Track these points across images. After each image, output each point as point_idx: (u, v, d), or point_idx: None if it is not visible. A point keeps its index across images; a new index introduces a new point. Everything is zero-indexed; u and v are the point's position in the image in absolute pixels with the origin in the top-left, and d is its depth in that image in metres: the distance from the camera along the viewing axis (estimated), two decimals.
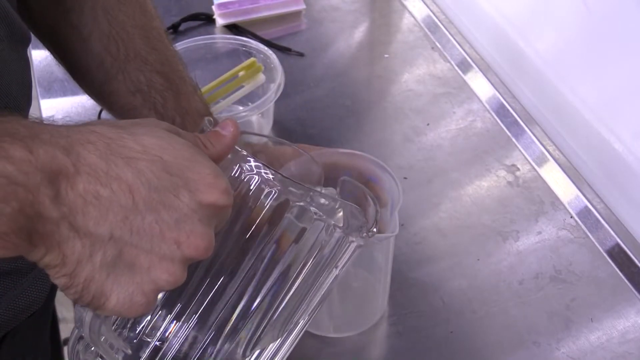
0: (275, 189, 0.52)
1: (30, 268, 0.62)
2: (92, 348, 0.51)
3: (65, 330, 0.89)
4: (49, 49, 0.71)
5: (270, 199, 0.52)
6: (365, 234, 0.55)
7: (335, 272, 0.56)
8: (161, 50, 0.69)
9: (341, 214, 0.54)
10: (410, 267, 0.84)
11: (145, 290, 0.44)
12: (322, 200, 0.53)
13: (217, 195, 0.45)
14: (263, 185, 0.52)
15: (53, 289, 0.71)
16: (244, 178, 0.52)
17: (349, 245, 0.55)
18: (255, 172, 0.52)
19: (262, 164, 0.52)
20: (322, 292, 0.56)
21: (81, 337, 0.52)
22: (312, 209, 0.53)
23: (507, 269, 0.83)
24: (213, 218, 0.45)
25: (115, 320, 0.51)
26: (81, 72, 0.70)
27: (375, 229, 0.56)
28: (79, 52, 0.68)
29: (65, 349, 0.84)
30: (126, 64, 0.67)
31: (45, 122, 0.43)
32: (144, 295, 0.44)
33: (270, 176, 0.52)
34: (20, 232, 0.40)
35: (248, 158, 0.52)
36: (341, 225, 0.54)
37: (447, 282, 0.82)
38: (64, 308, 1.03)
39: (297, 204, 0.53)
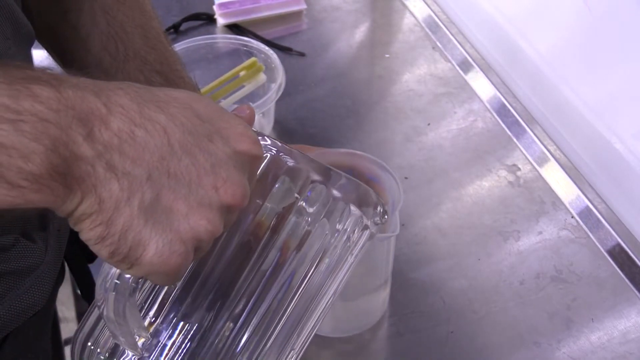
0: (295, 163, 0.52)
1: (33, 268, 0.62)
2: (96, 350, 0.51)
3: (66, 330, 0.89)
4: (47, 49, 0.71)
5: (290, 175, 0.52)
6: (378, 219, 0.55)
7: (350, 259, 0.55)
8: (160, 49, 0.69)
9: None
10: (411, 267, 0.84)
11: (184, 238, 0.42)
12: (341, 178, 0.53)
13: (249, 144, 0.44)
14: (283, 161, 0.52)
15: (55, 289, 0.71)
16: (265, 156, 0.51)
17: (362, 232, 0.55)
18: (275, 150, 0.52)
19: (281, 143, 0.52)
20: (336, 284, 0.55)
21: (88, 338, 0.51)
22: (330, 187, 0.53)
23: (508, 269, 0.83)
24: (246, 167, 0.44)
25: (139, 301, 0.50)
26: (80, 72, 0.70)
27: (386, 217, 0.56)
28: (78, 51, 0.68)
29: (67, 349, 0.84)
30: (125, 63, 0.67)
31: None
32: (183, 243, 0.42)
33: (289, 154, 0.52)
34: (55, 175, 0.38)
35: (266, 138, 0.52)
36: (358, 206, 0.54)
37: (447, 282, 0.82)
38: (64, 308, 1.03)
39: (317, 180, 0.52)
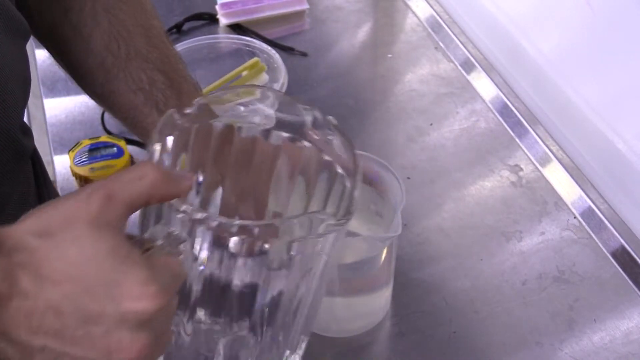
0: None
1: None
2: None
3: None
4: (48, 50, 0.71)
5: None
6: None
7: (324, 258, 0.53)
8: (162, 48, 0.69)
9: None
10: (413, 267, 0.84)
11: None
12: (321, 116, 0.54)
13: (144, 303, 0.43)
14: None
15: None
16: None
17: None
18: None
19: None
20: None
21: None
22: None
23: (510, 270, 0.83)
24: (146, 322, 0.44)
25: None
26: (82, 72, 0.69)
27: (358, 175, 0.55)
28: (80, 51, 0.68)
29: None
30: (127, 62, 0.67)
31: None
32: None
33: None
34: None
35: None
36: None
37: (450, 282, 0.82)
38: None
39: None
